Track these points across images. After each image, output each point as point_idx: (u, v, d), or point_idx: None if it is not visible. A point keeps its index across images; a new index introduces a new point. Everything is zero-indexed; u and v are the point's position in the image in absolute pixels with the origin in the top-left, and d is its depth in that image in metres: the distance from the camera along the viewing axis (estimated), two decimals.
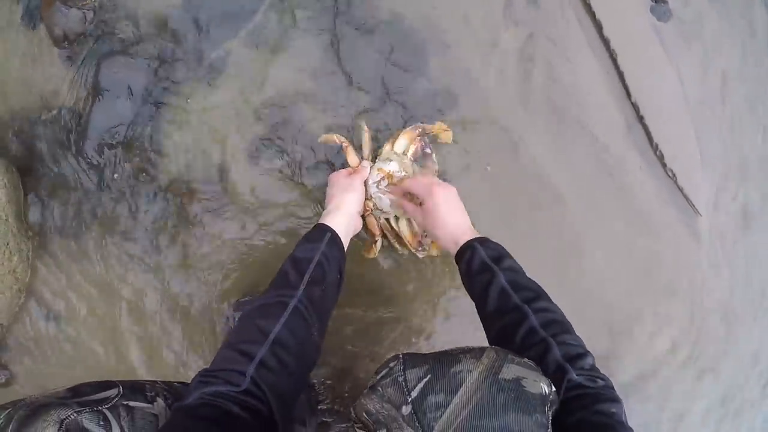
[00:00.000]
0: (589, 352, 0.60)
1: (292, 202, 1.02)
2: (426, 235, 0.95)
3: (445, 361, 0.47)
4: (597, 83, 1.07)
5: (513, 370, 0.47)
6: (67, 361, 1.05)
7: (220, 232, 1.02)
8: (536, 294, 0.67)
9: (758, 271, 1.14)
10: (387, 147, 0.94)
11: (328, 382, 1.04)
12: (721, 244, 1.13)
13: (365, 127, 0.94)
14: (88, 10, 1.02)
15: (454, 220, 0.79)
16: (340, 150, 0.96)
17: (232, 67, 1.02)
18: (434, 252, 0.96)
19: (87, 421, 0.53)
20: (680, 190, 1.10)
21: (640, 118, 1.07)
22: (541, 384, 0.47)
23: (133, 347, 1.04)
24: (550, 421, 0.46)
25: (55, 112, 1.02)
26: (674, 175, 1.09)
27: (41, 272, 1.05)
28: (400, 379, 0.47)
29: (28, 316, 1.05)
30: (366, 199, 0.91)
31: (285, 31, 1.02)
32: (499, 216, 1.05)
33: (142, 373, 1.05)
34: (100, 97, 1.01)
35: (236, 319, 0.99)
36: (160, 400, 0.62)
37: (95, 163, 1.02)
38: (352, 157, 0.93)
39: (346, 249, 0.79)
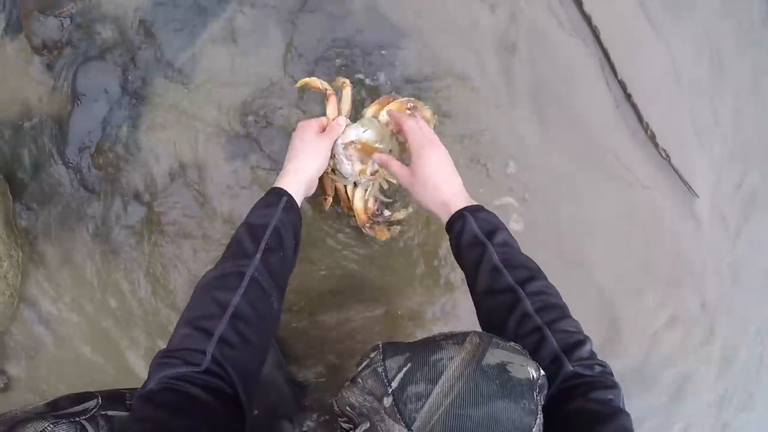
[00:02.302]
0: (587, 337, 0.57)
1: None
2: (379, 216, 0.89)
3: (425, 348, 0.45)
4: (582, 62, 1.03)
5: (497, 355, 0.44)
6: (63, 364, 1.07)
7: (202, 230, 1.02)
8: (531, 274, 0.62)
9: (761, 254, 1.08)
10: (371, 110, 0.87)
11: (320, 380, 1.03)
12: (722, 226, 1.08)
13: (346, 81, 0.87)
14: (64, 18, 1.03)
15: (445, 183, 0.72)
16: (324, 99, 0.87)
17: (205, 65, 1.02)
18: (381, 237, 0.91)
19: None
20: (675, 170, 1.04)
21: (628, 96, 1.02)
22: (528, 368, 0.44)
23: (126, 348, 1.06)
24: (540, 406, 0.43)
25: (36, 119, 1.05)
26: (668, 155, 1.04)
27: (32, 277, 1.08)
28: (380, 369, 0.45)
29: (22, 322, 1.08)
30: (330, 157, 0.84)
31: (255, 25, 1.02)
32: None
33: (139, 372, 1.06)
34: (78, 102, 1.02)
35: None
36: None
37: (77, 167, 1.04)
38: (332, 108, 0.85)
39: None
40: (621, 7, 1.02)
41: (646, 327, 1.06)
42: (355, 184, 0.88)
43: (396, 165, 0.78)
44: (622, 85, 1.03)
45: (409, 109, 0.87)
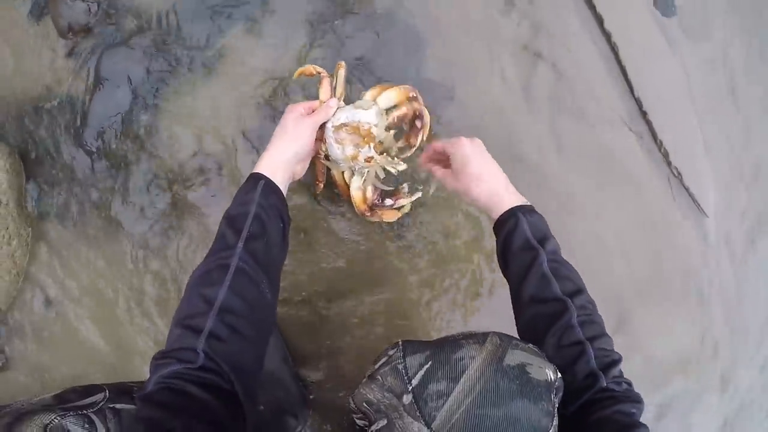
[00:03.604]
0: (620, 357, 0.58)
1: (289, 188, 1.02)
2: (380, 203, 0.86)
3: (446, 347, 0.45)
4: (599, 77, 1.04)
5: (517, 356, 0.45)
6: (64, 347, 1.06)
7: (218, 220, 1.02)
8: (578, 287, 0.63)
9: (766, 277, 1.09)
10: (370, 94, 0.82)
11: (326, 376, 1.02)
12: (729, 248, 1.09)
13: (341, 62, 0.83)
14: (92, 2, 1.04)
15: (490, 173, 0.71)
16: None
17: (230, 57, 1.03)
18: (388, 218, 0.88)
19: (71, 424, 0.54)
20: (686, 189, 1.06)
21: (644, 114, 1.04)
22: (547, 370, 0.45)
23: (131, 334, 1.05)
24: (556, 408, 0.44)
25: (57, 101, 1.05)
26: (680, 173, 1.05)
27: (40, 258, 1.07)
28: (400, 366, 0.45)
29: (25, 302, 1.07)
30: (322, 141, 0.81)
31: (279, 25, 1.03)
32: None
33: (141, 361, 1.05)
34: (100, 86, 1.03)
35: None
36: None
37: (94, 150, 1.04)
38: (324, 91, 0.81)
39: (285, 192, 0.73)
40: (640, 26, 1.04)
41: (647, 342, 1.06)
42: (353, 173, 0.84)
43: (439, 171, 0.77)
44: (639, 103, 1.05)
45: (410, 98, 0.84)
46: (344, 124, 0.78)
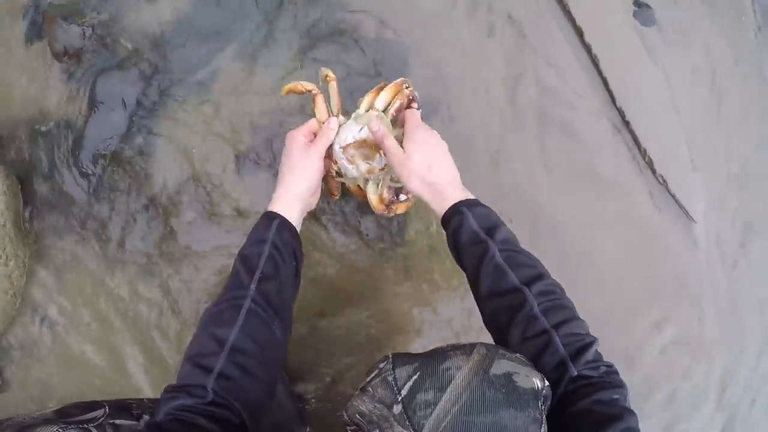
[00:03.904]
0: (594, 339, 0.56)
1: None
2: (396, 199, 0.85)
3: (434, 358, 0.47)
4: (582, 89, 1.07)
5: (504, 365, 0.46)
6: (62, 368, 1.07)
7: (212, 243, 1.03)
8: (536, 272, 0.61)
9: (758, 281, 1.10)
10: (365, 102, 0.81)
11: (319, 392, 1.03)
12: (719, 252, 1.10)
13: (330, 74, 0.80)
14: (87, 26, 1.07)
15: (439, 167, 0.69)
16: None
17: (221, 82, 1.05)
18: (401, 210, 0.87)
19: None
20: (672, 195, 1.07)
21: (626, 123, 1.06)
22: (533, 378, 0.46)
23: (129, 354, 1.06)
24: (544, 416, 0.45)
25: (53, 123, 1.07)
26: (665, 180, 1.07)
27: (37, 279, 1.08)
28: (390, 378, 0.46)
29: (22, 323, 1.08)
30: (331, 160, 0.80)
31: (270, 48, 1.05)
32: None
33: (138, 380, 1.06)
34: (95, 109, 1.05)
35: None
36: (147, 417, 0.65)
37: (90, 173, 1.06)
38: (320, 109, 0.79)
39: (299, 228, 0.73)
40: (619, 36, 1.07)
41: (640, 348, 1.07)
42: (367, 180, 0.84)
43: (390, 141, 0.73)
44: (621, 113, 1.07)
45: (403, 88, 0.82)
46: (351, 144, 0.78)
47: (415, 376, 0.45)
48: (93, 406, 0.63)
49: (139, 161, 1.05)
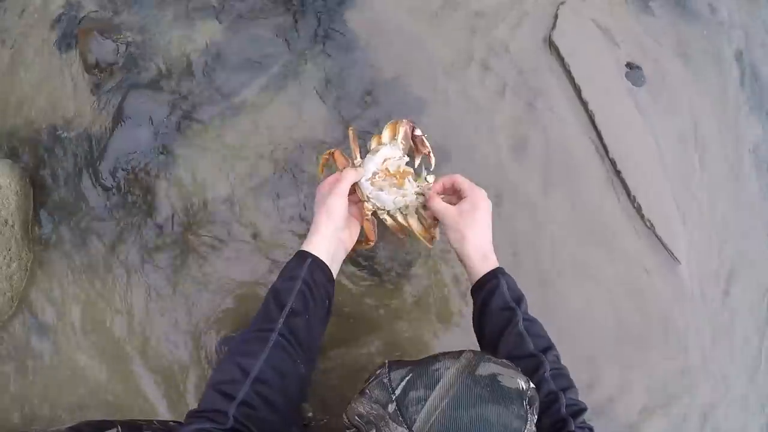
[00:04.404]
0: (586, 407, 0.65)
1: (301, 239, 1.02)
2: (436, 225, 0.88)
3: (425, 361, 0.53)
4: (579, 141, 1.17)
5: (489, 367, 0.51)
6: (52, 375, 1.03)
7: (224, 266, 1.04)
8: (549, 344, 0.70)
9: (740, 324, 1.18)
10: (374, 142, 0.87)
11: (315, 408, 1.02)
12: (702, 295, 1.19)
13: (349, 127, 0.90)
14: (122, 43, 1.12)
15: (489, 235, 0.78)
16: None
17: (248, 110, 1.08)
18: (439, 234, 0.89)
19: None
20: (659, 238, 1.17)
21: (618, 173, 1.16)
22: (518, 380, 0.51)
23: (127, 368, 1.04)
24: (530, 416, 0.49)
25: (75, 132, 1.09)
26: (652, 225, 1.16)
27: (39, 284, 1.06)
28: (385, 380, 0.51)
29: (16, 326, 1.05)
30: (364, 201, 0.84)
31: (295, 85, 1.10)
32: None
33: (139, 393, 1.03)
34: (122, 123, 1.07)
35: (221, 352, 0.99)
36: None
37: (108, 185, 1.07)
38: (340, 159, 0.86)
39: (336, 272, 0.76)
40: (614, 95, 1.20)
41: (624, 386, 1.11)
42: (404, 215, 0.87)
43: (440, 204, 0.81)
44: (613, 163, 1.18)
45: (400, 122, 0.88)
46: (375, 173, 0.83)
47: (408, 377, 0.51)
48: (105, 425, 0.65)
49: (158, 179, 1.05)
